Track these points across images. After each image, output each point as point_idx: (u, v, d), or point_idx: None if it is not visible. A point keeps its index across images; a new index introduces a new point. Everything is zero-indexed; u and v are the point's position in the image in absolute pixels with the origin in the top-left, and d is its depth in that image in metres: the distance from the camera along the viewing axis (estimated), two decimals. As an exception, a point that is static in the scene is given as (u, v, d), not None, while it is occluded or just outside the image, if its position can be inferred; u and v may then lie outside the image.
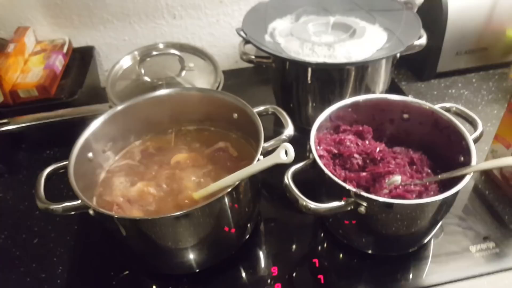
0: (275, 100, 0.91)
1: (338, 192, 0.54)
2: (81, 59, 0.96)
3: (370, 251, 0.63)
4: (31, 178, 0.81)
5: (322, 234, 0.68)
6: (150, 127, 0.73)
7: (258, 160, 0.57)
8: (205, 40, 1.06)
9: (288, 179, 0.55)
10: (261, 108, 0.67)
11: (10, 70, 0.83)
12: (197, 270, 0.63)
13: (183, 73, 0.84)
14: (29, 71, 0.86)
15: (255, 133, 0.63)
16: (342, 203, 0.53)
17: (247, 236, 0.66)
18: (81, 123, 0.84)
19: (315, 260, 0.63)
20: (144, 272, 0.65)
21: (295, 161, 0.53)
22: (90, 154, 0.64)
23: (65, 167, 0.59)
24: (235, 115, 0.69)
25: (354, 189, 0.52)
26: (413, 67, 1.03)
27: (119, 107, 0.68)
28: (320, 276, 0.61)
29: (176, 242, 0.57)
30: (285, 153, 0.50)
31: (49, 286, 0.63)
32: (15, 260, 0.67)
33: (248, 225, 0.65)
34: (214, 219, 0.56)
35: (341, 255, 0.65)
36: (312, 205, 0.52)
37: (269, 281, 0.61)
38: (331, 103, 0.68)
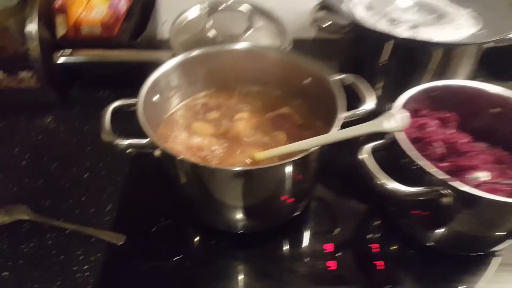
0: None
1: (418, 178, 0.50)
2: (143, 5, 0.94)
3: (433, 245, 0.59)
4: (84, 114, 0.81)
5: (379, 221, 0.66)
6: (214, 81, 0.72)
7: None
8: (272, 1, 1.01)
9: (367, 153, 0.53)
10: (340, 76, 0.64)
11: (75, 4, 0.81)
12: (241, 231, 0.62)
13: (249, 32, 0.82)
14: (92, 8, 0.85)
15: (327, 103, 0.61)
16: (426, 189, 0.49)
17: (299, 211, 0.64)
18: (139, 68, 0.84)
19: (372, 246, 0.61)
20: (189, 221, 0.65)
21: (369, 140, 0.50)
22: (155, 97, 0.62)
23: (132, 105, 0.58)
24: (307, 81, 0.67)
25: (445, 177, 0.48)
26: (492, 64, 0.97)
27: (191, 54, 0.66)
28: (376, 262, 0.59)
29: (230, 198, 0.56)
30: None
31: (97, 221, 0.62)
32: (65, 190, 0.67)
33: (304, 199, 0.63)
34: (275, 184, 0.54)
35: (400, 245, 0.62)
36: (393, 185, 0.49)
37: (321, 257, 0.60)
38: (407, 86, 0.64)
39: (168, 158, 0.53)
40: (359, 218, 0.67)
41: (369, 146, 0.54)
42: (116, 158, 0.71)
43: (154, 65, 0.77)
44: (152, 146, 0.53)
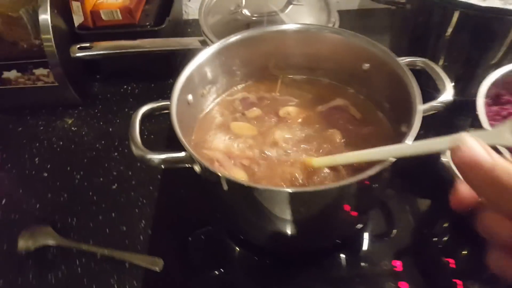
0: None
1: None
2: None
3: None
4: (108, 112, 0.73)
5: (457, 233, 0.56)
6: (254, 70, 0.61)
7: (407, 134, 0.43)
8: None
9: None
10: (407, 59, 0.52)
11: (92, -12, 0.72)
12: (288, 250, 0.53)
13: (289, 8, 0.70)
14: (111, -10, 0.74)
15: (393, 92, 0.50)
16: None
17: (361, 225, 0.55)
18: (166, 58, 0.75)
19: (449, 260, 0.52)
20: (230, 236, 0.57)
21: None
22: (189, 97, 0.52)
23: (163, 108, 0.49)
24: (366, 66, 0.55)
25: None
26: None
27: (228, 41, 0.55)
28: (457, 281, 0.49)
29: (284, 219, 0.46)
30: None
31: (131, 242, 0.55)
32: (92, 205, 0.59)
33: (370, 210, 0.54)
34: (340, 203, 0.45)
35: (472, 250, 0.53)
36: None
37: (389, 277, 0.50)
38: (480, 66, 0.53)
39: (210, 175, 0.43)
40: (424, 220, 0.58)
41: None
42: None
43: (183, 51, 0.68)
44: (190, 160, 0.44)
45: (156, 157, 0.44)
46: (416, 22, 0.69)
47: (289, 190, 0.40)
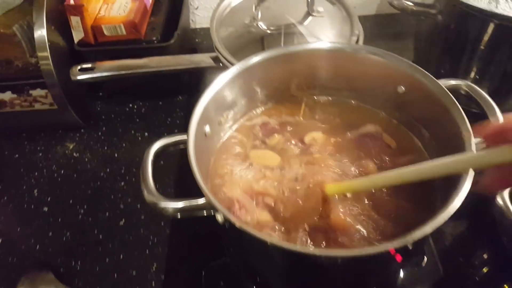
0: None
1: None
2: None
3: None
4: (112, 135, 0.67)
5: (497, 266, 0.51)
6: (273, 92, 0.55)
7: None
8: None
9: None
10: (449, 83, 0.47)
11: (92, 0, 0.65)
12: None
13: (308, 19, 0.64)
14: (114, 1, 0.68)
15: (430, 119, 0.46)
16: None
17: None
18: (175, 75, 0.69)
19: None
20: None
21: None
22: (207, 128, 0.46)
23: (179, 143, 0.44)
24: (401, 89, 0.50)
25: None
26: None
27: (249, 63, 0.49)
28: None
29: (307, 275, 0.41)
30: None
31: (141, 288, 0.49)
32: (98, 245, 0.53)
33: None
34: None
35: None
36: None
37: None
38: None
39: (232, 227, 0.37)
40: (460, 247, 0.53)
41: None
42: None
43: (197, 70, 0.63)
44: (210, 207, 0.38)
45: (172, 206, 0.39)
46: (447, 33, 0.63)
47: (323, 253, 0.35)
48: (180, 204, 0.39)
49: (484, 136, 0.34)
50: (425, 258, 0.51)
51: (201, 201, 0.38)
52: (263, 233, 0.41)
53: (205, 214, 0.39)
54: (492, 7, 0.55)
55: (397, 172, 0.39)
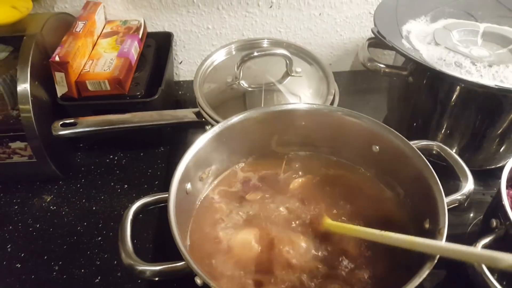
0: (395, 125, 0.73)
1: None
2: (157, 47, 0.80)
3: None
4: (91, 188, 0.67)
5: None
6: (254, 148, 0.57)
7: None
8: (299, 36, 0.88)
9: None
10: (421, 143, 0.49)
11: (79, 55, 0.67)
12: None
13: (288, 79, 0.67)
14: (99, 57, 0.70)
15: (404, 178, 0.48)
16: None
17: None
18: (156, 128, 0.70)
19: None
20: None
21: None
22: (188, 186, 0.47)
23: (158, 202, 0.44)
24: (376, 148, 0.52)
25: None
26: None
27: (230, 122, 0.51)
28: None
29: None
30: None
31: None
32: (72, 306, 0.51)
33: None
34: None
35: None
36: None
37: None
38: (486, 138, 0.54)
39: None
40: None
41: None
42: (136, 250, 0.55)
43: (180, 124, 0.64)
44: (189, 272, 0.38)
45: (149, 268, 0.38)
46: (418, 93, 0.66)
47: None
48: (158, 267, 0.38)
49: None
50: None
51: (180, 264, 0.38)
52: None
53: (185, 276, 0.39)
54: (457, 73, 0.58)
55: (381, 233, 0.42)
